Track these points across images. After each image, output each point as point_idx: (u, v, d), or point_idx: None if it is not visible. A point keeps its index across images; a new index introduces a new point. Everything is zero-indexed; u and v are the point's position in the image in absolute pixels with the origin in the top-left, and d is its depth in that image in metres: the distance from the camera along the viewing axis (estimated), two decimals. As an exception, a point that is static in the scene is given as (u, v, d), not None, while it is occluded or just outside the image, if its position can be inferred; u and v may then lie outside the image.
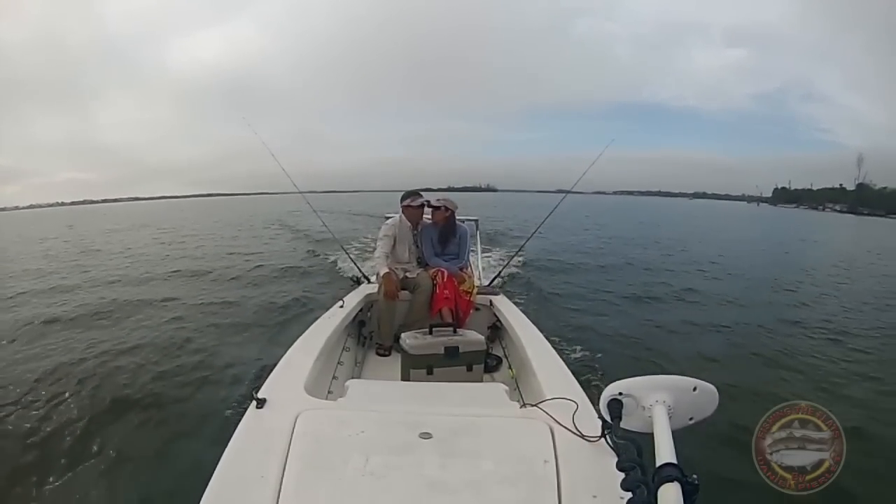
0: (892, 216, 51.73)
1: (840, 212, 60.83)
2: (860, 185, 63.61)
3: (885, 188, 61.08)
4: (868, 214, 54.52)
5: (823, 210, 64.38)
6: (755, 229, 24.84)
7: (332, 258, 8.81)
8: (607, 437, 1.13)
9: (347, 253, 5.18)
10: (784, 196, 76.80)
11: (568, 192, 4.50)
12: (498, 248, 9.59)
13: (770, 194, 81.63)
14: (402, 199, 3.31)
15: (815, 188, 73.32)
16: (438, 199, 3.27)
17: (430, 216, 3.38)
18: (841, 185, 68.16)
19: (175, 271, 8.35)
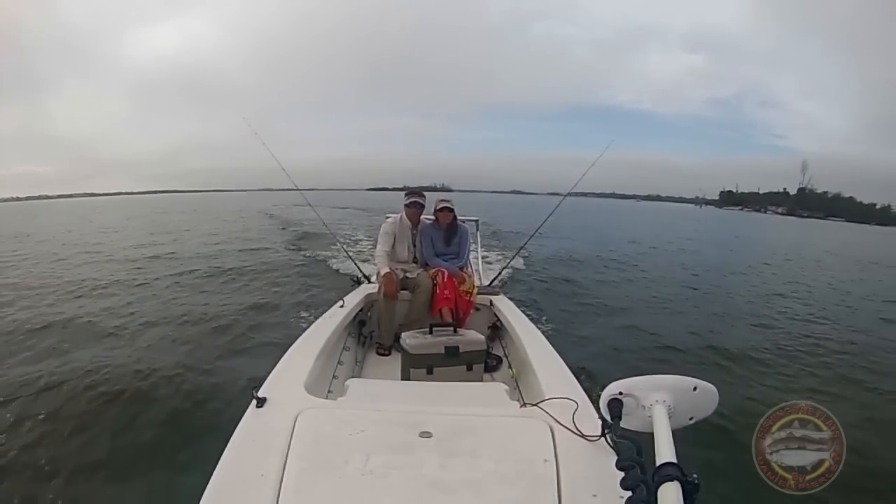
0: (831, 218, 55.99)
1: (781, 214, 64.33)
2: (801, 190, 68.39)
3: (826, 192, 65.55)
4: (807, 216, 58.35)
5: (765, 212, 67.72)
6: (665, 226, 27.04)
7: (328, 256, 8.86)
8: (607, 436, 1.13)
9: (347, 252, 5.18)
10: (730, 199, 79.43)
11: (567, 194, 4.52)
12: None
13: (717, 197, 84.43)
14: (405, 196, 3.32)
15: (762, 192, 76.73)
16: (442, 200, 3.26)
17: (429, 216, 3.38)
18: (785, 189, 72.43)
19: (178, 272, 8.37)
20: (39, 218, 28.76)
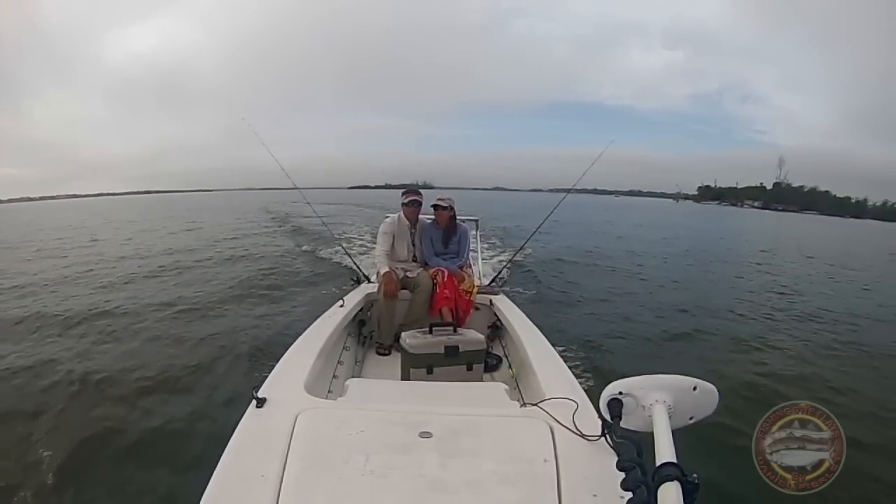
0: (806, 212, 58.76)
1: (757, 208, 66.73)
2: (776, 184, 71.61)
3: (801, 187, 68.76)
4: (782, 210, 61.11)
5: (741, 206, 69.74)
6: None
7: (327, 255, 8.92)
8: (607, 436, 1.13)
9: (348, 252, 5.17)
10: (707, 193, 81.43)
11: (568, 190, 4.52)
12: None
13: (695, 192, 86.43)
14: (402, 196, 3.30)
15: (740, 186, 78.97)
16: (440, 199, 3.25)
17: (429, 215, 3.37)
18: (761, 183, 75.10)
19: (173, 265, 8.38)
20: (58, 215, 30.29)
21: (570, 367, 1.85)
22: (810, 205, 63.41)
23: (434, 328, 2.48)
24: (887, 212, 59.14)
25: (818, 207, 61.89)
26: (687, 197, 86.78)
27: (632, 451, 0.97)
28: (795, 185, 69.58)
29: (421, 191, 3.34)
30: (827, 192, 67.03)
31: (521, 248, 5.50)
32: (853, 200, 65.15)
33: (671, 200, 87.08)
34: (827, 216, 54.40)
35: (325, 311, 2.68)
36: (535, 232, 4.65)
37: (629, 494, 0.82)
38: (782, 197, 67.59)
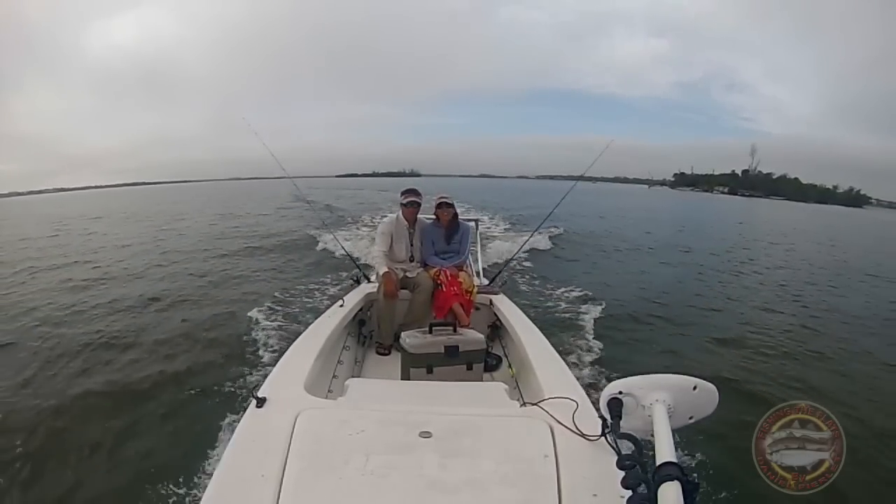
0: (772, 197, 62.34)
1: (725, 194, 70.22)
2: (744, 172, 75.51)
3: (770, 174, 72.59)
4: (749, 196, 65.10)
5: (712, 192, 73.21)
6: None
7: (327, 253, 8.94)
8: (607, 436, 1.13)
9: (347, 251, 5.15)
10: (683, 180, 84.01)
11: (579, 178, 4.56)
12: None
13: (671, 178, 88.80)
14: (401, 196, 3.29)
15: (716, 173, 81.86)
16: (441, 197, 3.22)
17: (431, 215, 3.36)
18: (733, 170, 78.54)
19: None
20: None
21: (569, 367, 1.85)
22: (776, 191, 66.52)
23: (434, 328, 2.48)
24: (852, 198, 63.57)
25: (784, 193, 65.13)
26: (663, 183, 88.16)
27: (632, 450, 0.97)
28: (767, 172, 73.24)
29: (418, 189, 3.31)
30: (796, 178, 70.45)
31: (523, 246, 5.48)
32: (818, 187, 68.40)
33: (645, 186, 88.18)
34: (792, 202, 57.90)
35: (324, 311, 2.69)
36: (537, 228, 4.66)
37: (629, 494, 0.82)
38: (750, 184, 71.03)
